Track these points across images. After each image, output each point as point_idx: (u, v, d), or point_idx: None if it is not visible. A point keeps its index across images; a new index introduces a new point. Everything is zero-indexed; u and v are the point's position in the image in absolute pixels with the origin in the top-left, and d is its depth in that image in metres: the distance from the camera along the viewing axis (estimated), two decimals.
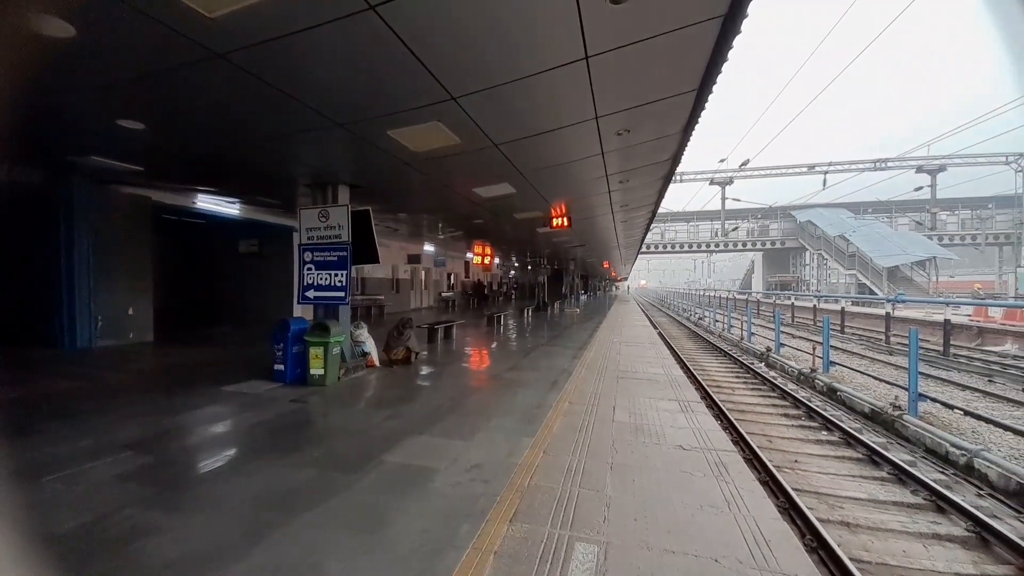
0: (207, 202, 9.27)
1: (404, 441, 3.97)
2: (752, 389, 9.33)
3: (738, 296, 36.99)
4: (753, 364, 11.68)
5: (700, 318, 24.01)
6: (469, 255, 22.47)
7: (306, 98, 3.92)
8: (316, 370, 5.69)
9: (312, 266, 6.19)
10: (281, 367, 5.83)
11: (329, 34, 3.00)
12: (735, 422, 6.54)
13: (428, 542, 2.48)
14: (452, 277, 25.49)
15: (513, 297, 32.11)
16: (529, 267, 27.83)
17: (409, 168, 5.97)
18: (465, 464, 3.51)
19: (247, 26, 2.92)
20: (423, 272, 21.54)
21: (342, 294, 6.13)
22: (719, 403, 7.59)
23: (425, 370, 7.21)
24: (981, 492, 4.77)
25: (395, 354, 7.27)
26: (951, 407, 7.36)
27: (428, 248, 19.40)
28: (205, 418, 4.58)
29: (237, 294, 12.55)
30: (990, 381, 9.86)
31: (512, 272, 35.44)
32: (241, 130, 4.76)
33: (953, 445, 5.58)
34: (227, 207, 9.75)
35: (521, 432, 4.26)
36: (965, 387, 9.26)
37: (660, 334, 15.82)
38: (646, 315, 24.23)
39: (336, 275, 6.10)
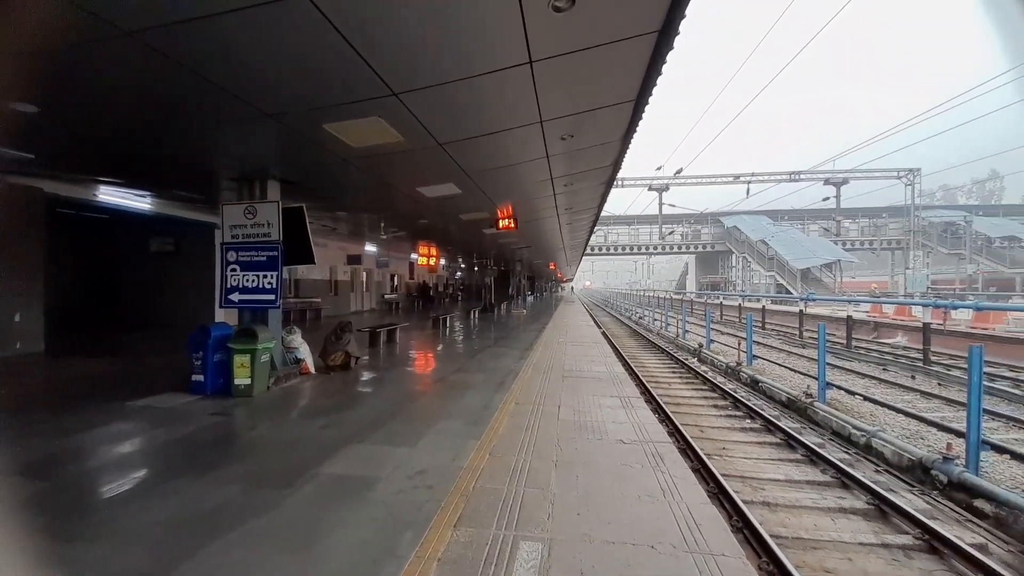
0: (113, 195, 8.27)
1: (342, 451, 3.78)
2: (686, 383, 9.90)
3: (674, 296, 39.29)
4: (687, 360, 12.41)
5: (640, 317, 25.15)
6: (414, 256, 21.94)
7: (230, 85, 3.61)
8: (241, 380, 5.27)
9: (237, 267, 5.72)
10: (200, 378, 5.34)
11: (257, 17, 2.78)
12: (671, 415, 6.90)
13: (367, 554, 2.37)
14: (396, 279, 24.76)
15: (460, 299, 31.83)
16: (476, 268, 27.72)
17: (348, 164, 5.71)
18: (408, 471, 3.41)
19: (163, 2, 2.64)
20: (364, 273, 20.71)
21: (272, 297, 5.72)
22: (657, 398, 7.97)
23: (366, 376, 6.93)
24: (879, 468, 5.38)
25: (333, 360, 6.92)
26: (853, 394, 8.26)
27: (370, 248, 18.68)
28: (109, 437, 4.09)
29: (149, 298, 11.34)
30: (884, 370, 11.18)
31: (458, 273, 35.14)
32: (155, 117, 4.29)
33: (855, 428, 6.25)
34: (136, 201, 8.77)
35: (467, 435, 4.21)
36: (864, 375, 10.43)
37: (604, 333, 16.37)
38: (591, 315, 24.98)
39: (265, 276, 5.68)
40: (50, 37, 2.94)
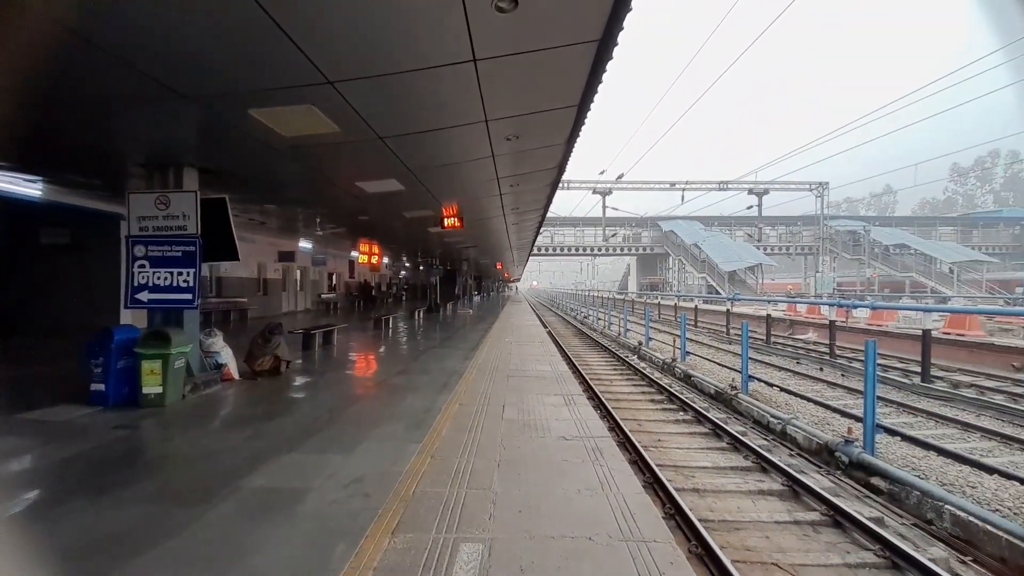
0: None
1: (269, 462, 3.52)
2: (627, 379, 10.31)
3: (617, 296, 40.93)
4: (628, 357, 12.93)
5: (585, 317, 25.88)
6: (354, 253, 21.03)
7: (136, 59, 3.23)
8: (151, 388, 4.75)
9: (146, 263, 5.14)
10: (101, 387, 4.75)
11: None
12: (612, 411, 7.13)
13: (299, 567, 2.22)
14: (335, 277, 23.61)
15: (404, 299, 31.02)
16: (421, 267, 27.13)
17: (278, 154, 5.33)
18: (343, 479, 3.24)
19: None
20: (298, 271, 19.50)
21: (188, 296, 5.21)
22: (599, 394, 8.22)
23: (299, 380, 6.52)
24: (792, 452, 5.90)
25: (260, 365, 6.42)
26: (771, 385, 9.00)
27: (304, 245, 17.58)
28: None
29: (38, 297, 9.87)
30: (798, 363, 12.32)
31: (403, 272, 34.25)
32: (47, 92, 3.76)
33: (772, 416, 6.81)
34: (24, 186, 7.64)
35: (408, 439, 4.08)
36: (781, 368, 11.42)
37: (550, 333, 16.66)
38: (537, 315, 25.33)
39: (180, 274, 5.15)
40: None
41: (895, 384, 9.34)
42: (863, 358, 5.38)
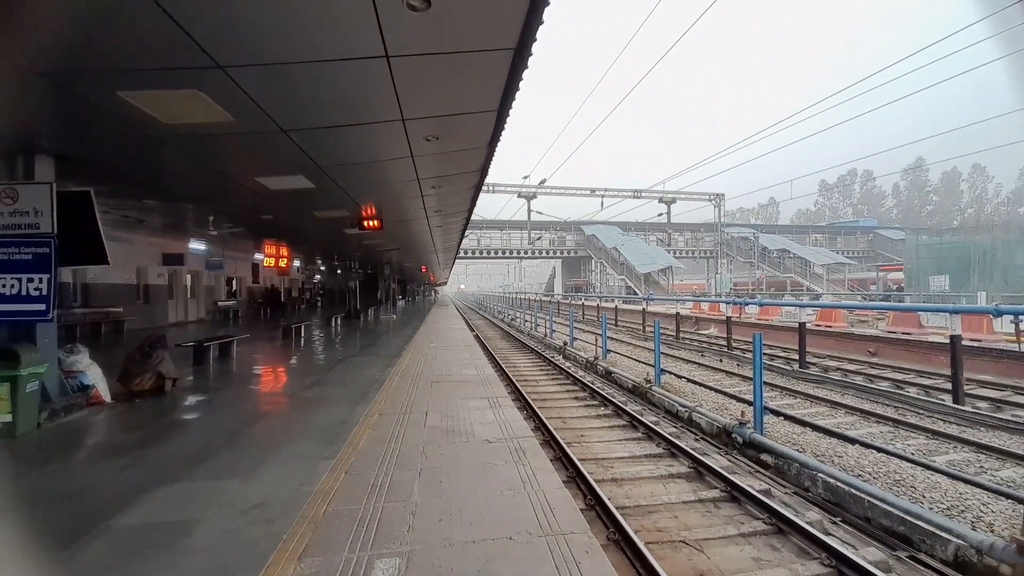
0: None
1: (148, 495, 3.06)
2: (552, 379, 10.58)
3: (543, 298, 41.99)
4: (554, 357, 13.30)
5: (512, 319, 26.21)
6: (258, 256, 19.22)
7: None
8: None
9: None
10: None
11: None
12: (538, 410, 7.26)
13: None
14: (235, 283, 21.39)
15: (319, 305, 29.11)
16: (338, 271, 25.62)
17: (158, 144, 4.69)
18: (241, 506, 2.92)
19: None
20: (188, 276, 17.28)
21: (42, 307, 4.37)
22: (525, 395, 8.33)
23: (188, 400, 5.79)
24: (697, 437, 6.44)
25: (139, 384, 5.60)
26: (680, 377, 9.77)
27: (196, 246, 15.54)
28: None
29: None
30: (702, 355, 13.54)
31: (317, 276, 32.15)
32: None
33: (680, 405, 7.39)
34: None
35: (319, 456, 3.80)
36: (689, 361, 12.48)
37: (476, 336, 16.60)
38: (464, 318, 25.15)
39: (31, 280, 4.31)
40: None
41: (779, 371, 10.62)
42: (751, 349, 6.03)
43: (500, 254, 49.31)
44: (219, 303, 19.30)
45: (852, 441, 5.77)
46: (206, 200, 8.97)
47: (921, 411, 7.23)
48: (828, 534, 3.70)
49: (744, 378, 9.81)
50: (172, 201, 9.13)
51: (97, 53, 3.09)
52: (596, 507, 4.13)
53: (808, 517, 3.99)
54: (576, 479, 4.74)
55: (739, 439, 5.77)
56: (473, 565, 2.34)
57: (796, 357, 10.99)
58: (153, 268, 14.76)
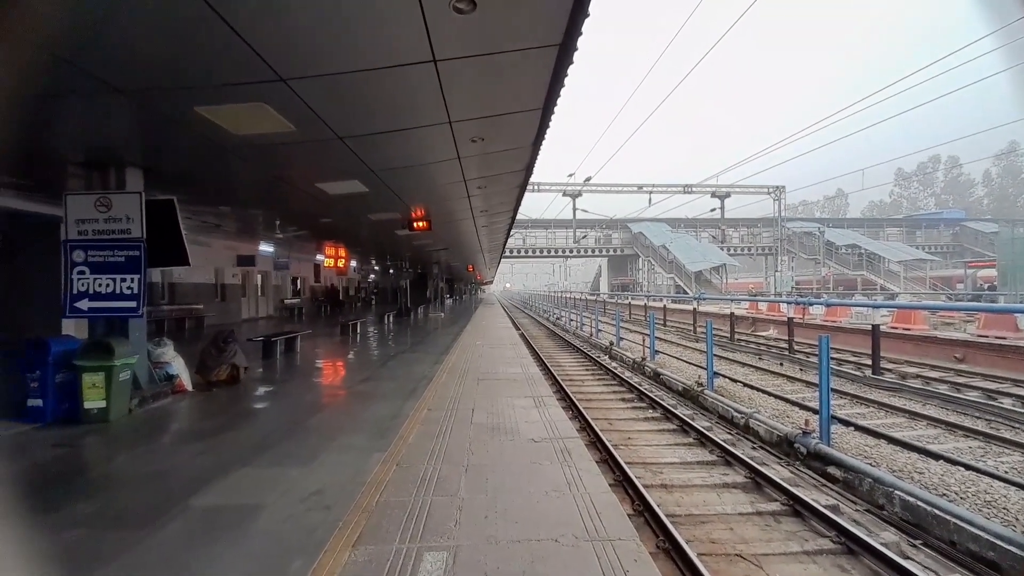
0: None
1: (220, 478, 3.33)
2: (598, 379, 10.41)
3: (588, 297, 41.41)
4: (599, 357, 13.08)
5: (558, 318, 26.06)
6: (320, 257, 20.37)
7: (64, 50, 2.99)
8: (94, 403, 4.43)
9: (86, 269, 4.80)
10: (39, 402, 4.41)
11: None
12: (583, 411, 7.17)
13: None
14: (299, 282, 22.84)
15: (373, 303, 30.38)
16: (391, 271, 26.63)
17: (229, 154, 5.08)
18: (301, 493, 3.09)
19: None
20: (259, 276, 18.67)
21: (133, 304, 4.89)
22: (570, 395, 8.25)
23: (257, 391, 6.25)
24: (755, 446, 6.08)
25: (216, 375, 6.12)
26: (735, 381, 9.29)
27: (265, 248, 16.75)
28: None
29: None
30: (760, 358, 12.78)
31: (371, 276, 33.55)
32: None
33: (736, 411, 7.02)
34: None
35: (372, 448, 3.96)
36: (744, 364, 11.82)
37: (522, 335, 16.66)
38: (510, 317, 25.32)
39: (124, 280, 4.83)
40: None
41: (848, 377, 9.81)
42: (817, 352, 5.61)
43: (545, 253, 49.14)
44: (285, 301, 20.71)
45: (936, 456, 5.23)
46: (271, 205, 9.63)
47: (1017, 425, 6.42)
48: (906, 557, 3.37)
49: (808, 384, 9.16)
50: (242, 207, 9.87)
51: (178, 72, 3.40)
52: (644, 513, 4.01)
53: (883, 538, 3.65)
54: (623, 483, 4.63)
55: (802, 449, 5.39)
56: (519, 565, 2.34)
57: (868, 362, 10.12)
58: (228, 269, 16.11)
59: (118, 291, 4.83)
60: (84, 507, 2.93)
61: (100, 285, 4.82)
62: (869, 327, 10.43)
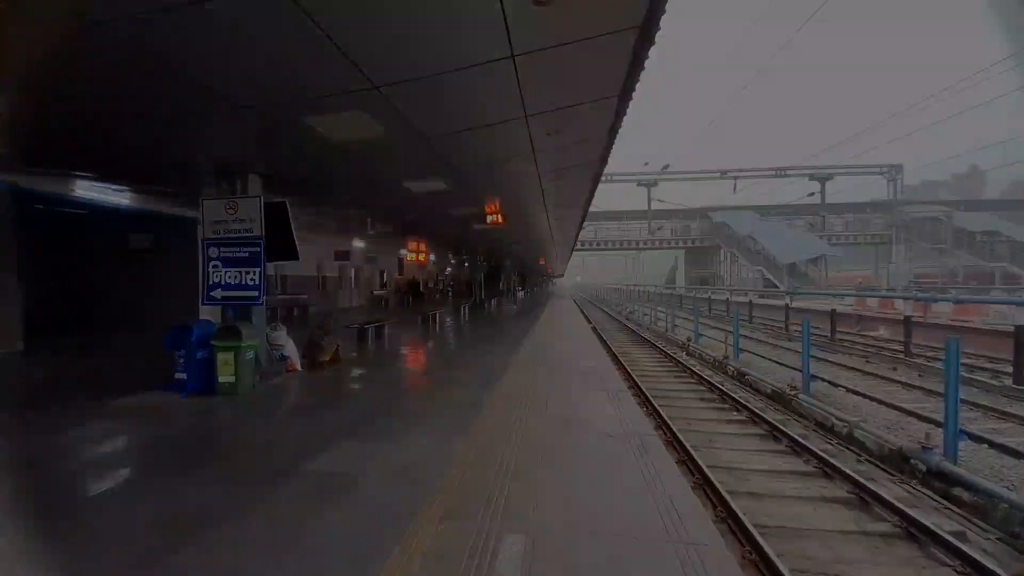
0: (89, 190, 8.05)
1: (326, 448, 3.73)
2: (675, 377, 9.99)
3: (664, 291, 39.62)
4: (676, 353, 12.52)
5: (631, 312, 25.31)
6: (403, 251, 21.78)
7: (200, 75, 3.51)
8: (226, 378, 5.20)
9: (219, 263, 5.64)
10: (183, 376, 5.26)
11: (225, 11, 2.72)
12: (659, 408, 6.95)
13: (351, 548, 2.35)
14: (385, 275, 24.59)
15: (450, 294, 31.71)
16: (466, 264, 27.60)
17: (332, 159, 5.63)
18: (394, 467, 3.38)
19: None
20: (353, 269, 20.52)
21: (255, 294, 5.65)
22: (645, 391, 8.02)
23: (353, 373, 6.89)
24: (860, 458, 5.48)
25: (321, 356, 6.86)
26: (836, 385, 8.40)
27: (358, 244, 18.45)
28: (92, 436, 4.02)
29: (129, 296, 11.02)
30: (867, 361, 11.39)
31: (448, 269, 34.99)
32: (123, 109, 4.16)
33: (837, 419, 6.36)
34: (114, 195, 8.55)
35: (454, 430, 4.18)
36: (848, 367, 10.61)
37: (594, 328, 16.45)
38: (581, 311, 25.06)
39: (248, 273, 5.60)
40: (17, 27, 2.84)
41: (983, 386, 8.41)
42: (944, 357, 4.90)
43: (618, 245, 47.72)
44: (374, 292, 22.60)
45: None
46: (365, 204, 10.46)
47: None
48: None
49: (929, 392, 8.01)
50: (340, 206, 10.83)
51: (288, 88, 3.83)
52: (728, 520, 3.83)
53: (1018, 571, 3.14)
54: (704, 487, 4.45)
55: (921, 466, 4.76)
56: (598, 558, 2.36)
57: (1009, 370, 8.60)
58: (328, 263, 17.97)
59: (244, 282, 5.62)
60: (222, 465, 3.47)
61: (230, 277, 5.64)
62: (1011, 328, 8.81)
